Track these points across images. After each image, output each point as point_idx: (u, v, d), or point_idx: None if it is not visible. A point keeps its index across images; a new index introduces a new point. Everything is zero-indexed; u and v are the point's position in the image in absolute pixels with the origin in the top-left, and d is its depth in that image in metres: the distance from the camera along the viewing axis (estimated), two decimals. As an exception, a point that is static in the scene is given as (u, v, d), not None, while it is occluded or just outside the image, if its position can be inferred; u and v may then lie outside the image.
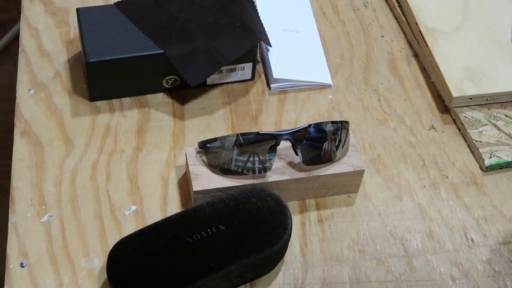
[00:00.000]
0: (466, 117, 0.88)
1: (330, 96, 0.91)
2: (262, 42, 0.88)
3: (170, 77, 0.87)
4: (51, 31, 0.94)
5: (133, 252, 0.68)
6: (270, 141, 0.75)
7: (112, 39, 0.84)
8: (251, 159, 0.75)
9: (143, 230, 0.70)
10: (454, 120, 0.89)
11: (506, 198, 0.82)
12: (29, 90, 0.87)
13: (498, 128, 0.87)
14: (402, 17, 0.99)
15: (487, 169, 0.84)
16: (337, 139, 0.77)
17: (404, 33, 0.99)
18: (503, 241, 0.78)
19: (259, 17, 0.90)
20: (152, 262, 0.68)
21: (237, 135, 0.75)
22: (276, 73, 0.90)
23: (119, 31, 0.85)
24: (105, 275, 0.71)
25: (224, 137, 0.76)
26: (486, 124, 0.87)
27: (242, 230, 0.70)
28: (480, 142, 0.86)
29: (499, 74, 0.91)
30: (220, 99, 0.89)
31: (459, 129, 0.88)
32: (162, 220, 0.71)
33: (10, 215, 0.75)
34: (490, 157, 0.84)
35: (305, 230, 0.77)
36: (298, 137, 0.76)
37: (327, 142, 0.76)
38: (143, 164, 0.81)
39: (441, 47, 0.93)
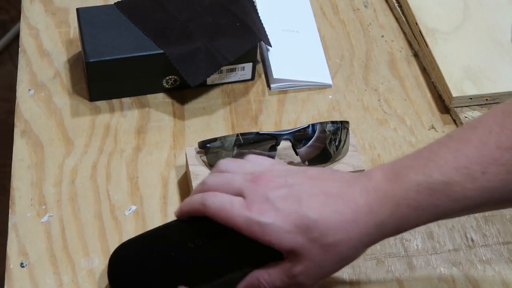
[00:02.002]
0: (466, 117, 0.88)
1: (330, 96, 0.91)
2: (262, 42, 0.88)
3: (170, 77, 0.87)
4: (51, 31, 0.94)
5: (134, 257, 0.68)
6: (270, 141, 0.75)
7: (112, 39, 0.84)
8: (251, 159, 0.75)
9: (144, 235, 0.70)
10: (454, 120, 0.89)
11: (506, 198, 0.82)
12: (29, 90, 0.87)
13: (498, 128, 0.87)
14: (402, 17, 0.99)
15: (487, 169, 0.84)
16: (337, 139, 0.77)
17: (404, 33, 0.99)
18: (503, 241, 0.78)
19: (259, 17, 0.90)
20: (153, 267, 0.67)
21: (237, 135, 0.75)
22: (276, 73, 0.90)
23: (119, 31, 0.85)
24: (105, 275, 0.71)
25: (224, 137, 0.76)
26: (486, 124, 0.87)
27: (244, 236, 0.69)
28: (480, 142, 0.85)
29: (499, 74, 0.91)
30: (220, 99, 0.89)
31: (459, 129, 0.88)
32: (164, 225, 0.70)
33: (10, 215, 0.75)
34: (490, 157, 0.84)
35: (305, 230, 0.77)
36: (298, 137, 0.76)
37: (327, 142, 0.76)
38: (143, 164, 0.81)
39: (441, 47, 0.93)
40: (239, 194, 0.64)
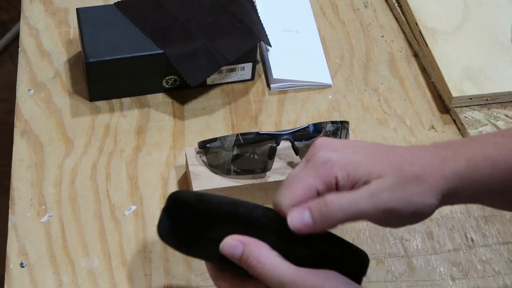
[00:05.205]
0: (466, 117, 0.88)
1: (330, 96, 0.91)
2: (262, 42, 0.88)
3: (170, 77, 0.87)
4: (51, 31, 0.94)
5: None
6: (270, 141, 0.75)
7: (112, 39, 0.84)
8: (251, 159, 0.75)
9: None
10: (454, 120, 0.89)
11: (506, 198, 0.82)
12: (29, 90, 0.87)
13: (498, 128, 0.87)
14: (402, 17, 0.99)
15: (487, 169, 0.84)
16: (337, 139, 0.77)
17: (404, 33, 0.99)
18: (503, 241, 0.78)
19: (259, 17, 0.90)
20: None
21: (237, 135, 0.75)
22: (276, 73, 0.90)
23: (119, 31, 0.85)
24: (105, 275, 0.71)
25: (224, 137, 0.76)
26: (486, 124, 0.87)
27: None
28: (480, 142, 0.85)
29: (499, 74, 0.91)
30: (220, 99, 0.89)
31: (459, 129, 0.88)
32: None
33: (10, 215, 0.76)
34: (490, 157, 0.84)
35: (305, 230, 0.77)
36: (298, 137, 0.76)
37: (327, 142, 0.76)
38: (143, 164, 0.81)
39: (441, 47, 0.93)
40: None
